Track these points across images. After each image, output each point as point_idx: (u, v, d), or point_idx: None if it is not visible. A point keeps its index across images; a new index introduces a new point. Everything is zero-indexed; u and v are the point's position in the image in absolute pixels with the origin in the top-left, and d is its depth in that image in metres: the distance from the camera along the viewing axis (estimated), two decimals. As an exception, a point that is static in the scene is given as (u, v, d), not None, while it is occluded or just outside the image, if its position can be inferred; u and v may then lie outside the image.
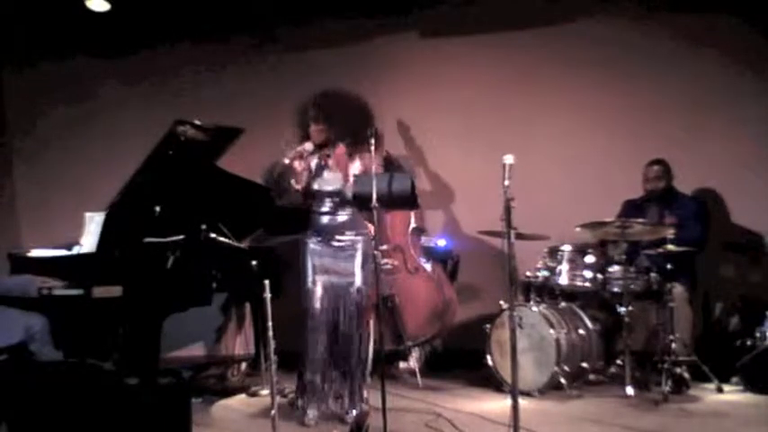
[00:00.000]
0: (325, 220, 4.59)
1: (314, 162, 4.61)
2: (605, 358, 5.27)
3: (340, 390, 4.47)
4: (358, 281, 4.51)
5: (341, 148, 4.61)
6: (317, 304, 4.50)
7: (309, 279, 4.54)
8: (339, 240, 4.54)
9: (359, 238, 4.55)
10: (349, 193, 4.50)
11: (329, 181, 4.58)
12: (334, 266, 4.54)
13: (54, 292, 4.35)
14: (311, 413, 4.42)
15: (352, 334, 4.46)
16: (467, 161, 6.27)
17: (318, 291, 4.52)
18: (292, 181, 4.57)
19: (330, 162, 4.59)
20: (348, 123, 4.65)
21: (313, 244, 4.57)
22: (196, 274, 4.46)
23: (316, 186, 4.58)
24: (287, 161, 4.49)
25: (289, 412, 4.47)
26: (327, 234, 4.56)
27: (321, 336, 4.48)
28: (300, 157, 4.53)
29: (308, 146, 4.57)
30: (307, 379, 4.48)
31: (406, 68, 6.58)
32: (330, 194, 4.57)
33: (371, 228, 4.60)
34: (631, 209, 5.53)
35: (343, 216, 4.57)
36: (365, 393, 4.51)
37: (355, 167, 4.57)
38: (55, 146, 7.12)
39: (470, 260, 6.07)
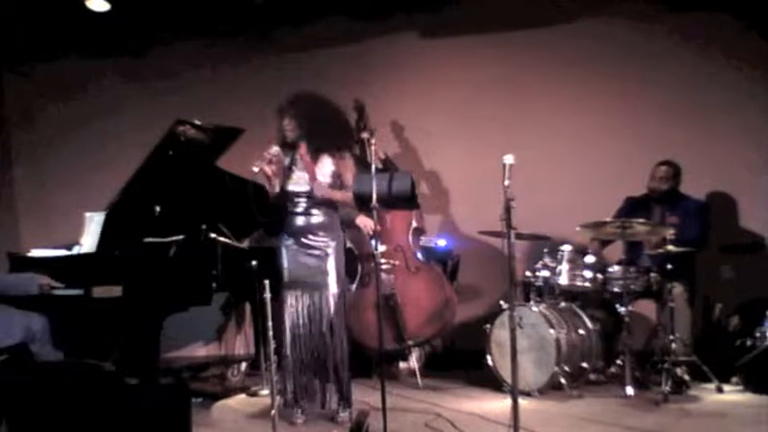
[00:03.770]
0: (298, 220, 4.51)
1: (287, 161, 4.52)
2: (605, 358, 5.27)
3: (326, 392, 4.46)
4: (333, 287, 4.44)
5: (302, 147, 4.49)
6: (290, 308, 4.46)
7: (283, 282, 4.48)
8: (312, 240, 4.47)
9: (332, 242, 4.48)
10: (319, 194, 4.43)
11: (297, 181, 4.51)
12: (307, 267, 4.46)
13: (54, 292, 4.35)
14: (297, 414, 4.44)
15: (332, 337, 4.40)
16: (467, 161, 6.28)
17: (290, 294, 4.47)
18: (267, 186, 4.47)
19: (298, 161, 4.51)
20: (325, 125, 4.55)
21: (286, 245, 4.50)
22: (196, 274, 4.46)
23: (287, 187, 4.51)
24: (255, 169, 4.35)
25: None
26: (300, 234, 4.49)
27: (297, 339, 4.44)
28: (269, 162, 4.41)
29: (274, 149, 4.45)
30: (288, 381, 4.46)
31: (406, 69, 6.59)
32: (299, 195, 4.49)
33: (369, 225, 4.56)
34: (633, 206, 5.52)
35: (316, 217, 4.49)
36: (351, 392, 4.49)
37: (326, 165, 4.49)
38: (55, 146, 7.13)
39: (470, 260, 6.07)
